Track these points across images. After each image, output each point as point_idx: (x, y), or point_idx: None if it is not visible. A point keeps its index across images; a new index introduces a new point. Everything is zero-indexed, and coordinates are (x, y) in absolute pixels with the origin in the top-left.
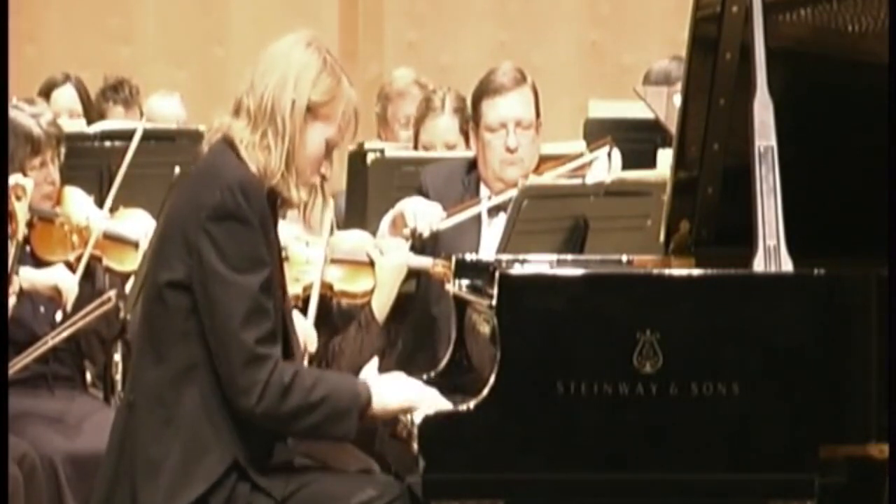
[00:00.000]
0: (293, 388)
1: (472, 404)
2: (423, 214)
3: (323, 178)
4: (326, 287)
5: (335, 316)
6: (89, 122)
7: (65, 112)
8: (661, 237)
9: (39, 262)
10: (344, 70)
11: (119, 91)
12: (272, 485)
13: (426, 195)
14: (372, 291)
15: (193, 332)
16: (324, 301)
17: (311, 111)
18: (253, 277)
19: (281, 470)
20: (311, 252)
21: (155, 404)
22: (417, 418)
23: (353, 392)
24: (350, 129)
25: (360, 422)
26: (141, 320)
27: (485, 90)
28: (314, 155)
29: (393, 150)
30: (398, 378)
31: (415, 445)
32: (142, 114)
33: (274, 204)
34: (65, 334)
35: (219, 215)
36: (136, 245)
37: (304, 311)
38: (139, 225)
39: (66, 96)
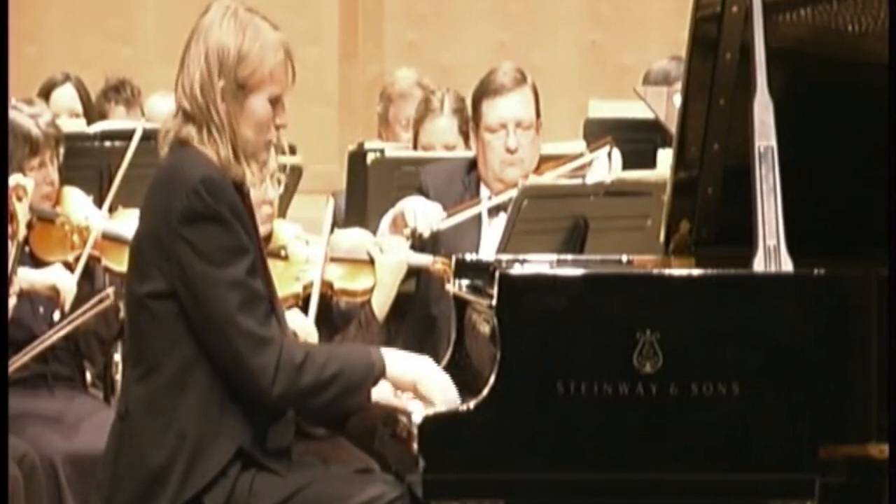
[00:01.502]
0: (305, 366)
1: (472, 404)
2: (424, 214)
3: (279, 127)
4: (326, 286)
5: (335, 315)
6: (89, 122)
7: (65, 112)
8: (661, 237)
9: (38, 263)
10: (266, 19)
11: (121, 91)
12: (277, 464)
13: (426, 195)
14: (372, 290)
15: (183, 334)
16: (324, 300)
17: (242, 87)
18: (237, 267)
19: (286, 458)
20: (311, 251)
21: (151, 413)
22: (417, 418)
23: (367, 362)
24: (287, 75)
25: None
26: (127, 331)
27: (485, 90)
28: (262, 122)
29: (393, 150)
30: (415, 356)
31: (415, 445)
32: (143, 114)
33: (242, 189)
34: (63, 332)
35: (189, 218)
36: None
37: (304, 309)
38: None
39: (65, 96)
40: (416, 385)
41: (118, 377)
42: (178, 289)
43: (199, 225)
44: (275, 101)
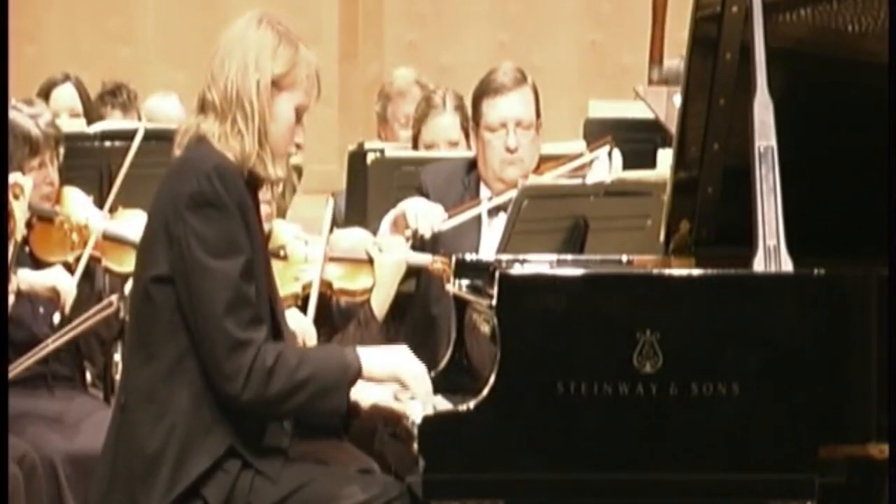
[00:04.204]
0: (276, 370)
1: (472, 404)
2: (425, 215)
3: (297, 146)
4: (326, 285)
5: (335, 314)
6: (89, 122)
7: (65, 111)
8: (661, 237)
9: (38, 263)
10: (299, 37)
11: (117, 95)
12: (270, 468)
13: (426, 195)
14: (371, 289)
15: (181, 324)
16: (323, 299)
17: (276, 85)
18: (232, 263)
19: (280, 462)
20: (311, 250)
21: (146, 402)
22: (417, 418)
23: (342, 364)
24: (314, 91)
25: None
26: (130, 319)
27: (485, 90)
28: (286, 125)
29: (393, 150)
30: (391, 349)
31: (415, 445)
32: (139, 118)
33: (254, 190)
34: (65, 338)
35: (196, 203)
36: (135, 246)
37: (303, 309)
38: (138, 225)
39: (66, 95)
40: (395, 378)
41: (118, 377)
42: (175, 274)
43: (203, 210)
44: (298, 114)
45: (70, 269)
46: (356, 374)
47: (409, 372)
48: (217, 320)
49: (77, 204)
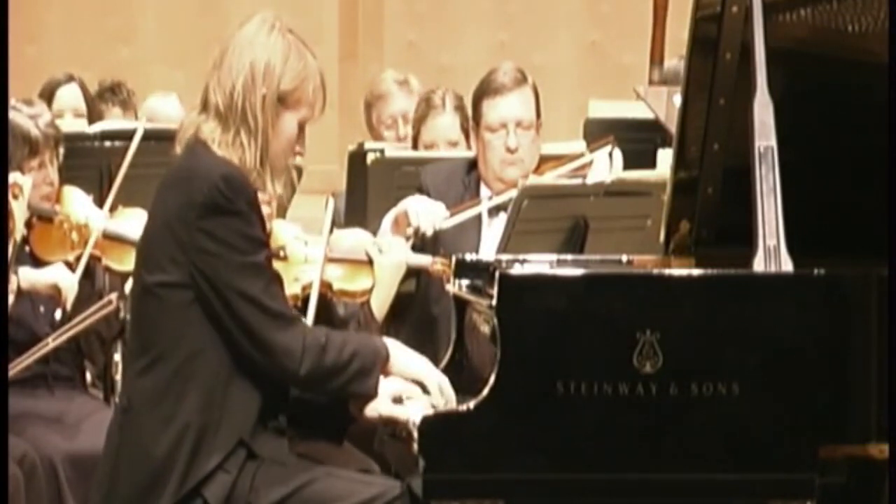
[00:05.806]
0: (329, 346)
1: (472, 404)
2: (427, 213)
3: (299, 154)
4: (325, 286)
5: (334, 315)
6: (91, 122)
7: (69, 111)
8: (661, 237)
9: (39, 263)
10: (306, 45)
11: (117, 93)
12: (276, 460)
13: (426, 195)
14: (371, 290)
15: (189, 325)
16: (323, 300)
17: (282, 101)
18: (258, 256)
19: (284, 452)
20: (311, 251)
21: (153, 405)
22: (417, 418)
23: (375, 348)
24: (320, 104)
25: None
26: (132, 322)
27: (485, 90)
28: (289, 141)
29: (393, 150)
30: (416, 354)
31: (415, 445)
32: (137, 116)
33: (255, 192)
34: (65, 337)
35: (210, 212)
36: (135, 245)
37: (303, 310)
38: (138, 224)
39: (70, 95)
40: (420, 380)
41: (118, 377)
42: (197, 280)
43: (219, 218)
44: (301, 126)
45: (70, 268)
46: (385, 360)
47: (435, 379)
48: (259, 303)
49: (77, 203)
